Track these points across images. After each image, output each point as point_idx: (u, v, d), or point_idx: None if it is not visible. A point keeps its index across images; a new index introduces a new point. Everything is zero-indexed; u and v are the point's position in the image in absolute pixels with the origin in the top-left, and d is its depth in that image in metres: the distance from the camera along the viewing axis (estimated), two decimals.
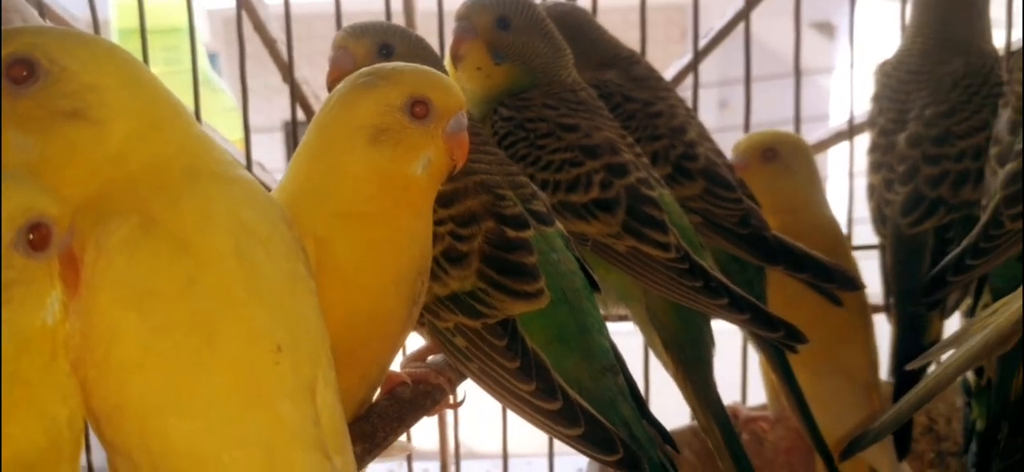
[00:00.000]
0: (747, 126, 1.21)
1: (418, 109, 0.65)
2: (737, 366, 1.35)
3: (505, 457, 1.37)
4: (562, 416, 0.71)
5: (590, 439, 0.70)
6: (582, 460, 1.03)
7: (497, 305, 0.73)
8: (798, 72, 1.26)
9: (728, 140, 1.12)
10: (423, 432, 1.27)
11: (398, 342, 0.72)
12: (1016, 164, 0.96)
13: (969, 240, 0.96)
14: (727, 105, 5.33)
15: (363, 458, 0.72)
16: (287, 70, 1.19)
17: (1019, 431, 1.02)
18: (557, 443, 1.37)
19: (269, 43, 1.20)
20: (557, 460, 1.39)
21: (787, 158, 1.08)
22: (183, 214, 0.52)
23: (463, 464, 1.42)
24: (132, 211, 0.51)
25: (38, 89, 0.51)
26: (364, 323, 0.66)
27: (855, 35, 1.32)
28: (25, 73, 0.51)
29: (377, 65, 0.69)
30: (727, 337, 1.03)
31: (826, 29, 5.08)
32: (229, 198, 0.54)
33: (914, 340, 1.10)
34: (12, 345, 0.46)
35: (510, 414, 1.28)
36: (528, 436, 1.45)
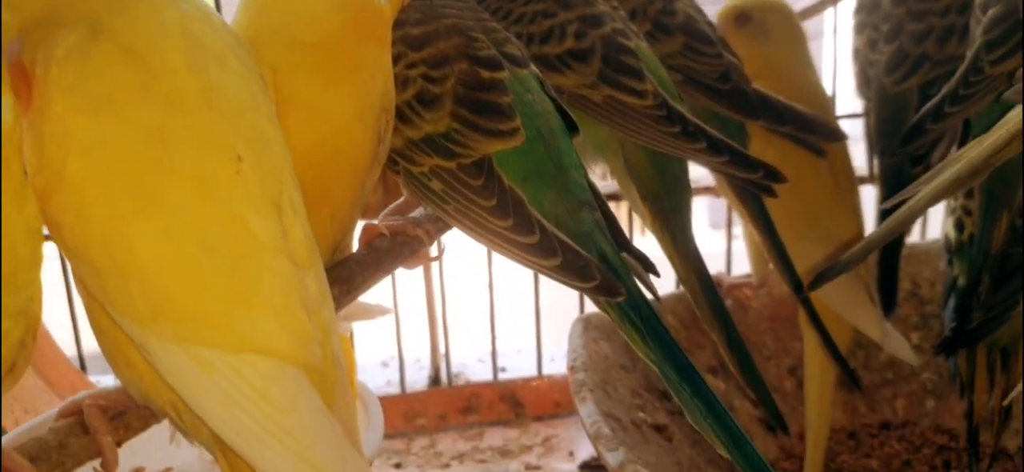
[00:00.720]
0: None
1: None
2: (722, 242, 1.36)
3: (494, 340, 1.39)
4: (539, 248, 0.71)
5: (567, 268, 0.71)
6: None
7: (472, 145, 0.73)
8: None
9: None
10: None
11: (367, 181, 0.72)
12: (998, 9, 0.94)
13: (948, 87, 0.95)
14: None
15: (341, 299, 0.72)
16: None
17: (999, 284, 1.02)
18: (544, 328, 1.38)
19: None
20: (545, 346, 1.41)
21: (760, 21, 1.07)
22: (132, 23, 0.51)
23: (456, 356, 1.44)
24: (80, 21, 0.50)
25: None
26: (330, 158, 0.66)
27: None
28: None
29: None
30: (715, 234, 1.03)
31: None
32: (181, 13, 0.53)
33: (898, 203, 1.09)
34: None
35: (494, 261, 1.29)
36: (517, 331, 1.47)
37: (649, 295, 0.77)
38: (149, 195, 0.49)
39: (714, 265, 1.03)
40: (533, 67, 0.79)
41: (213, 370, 0.50)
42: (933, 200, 0.81)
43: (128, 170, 0.49)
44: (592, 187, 0.77)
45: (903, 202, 0.85)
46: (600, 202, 0.77)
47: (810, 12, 1.27)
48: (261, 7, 0.67)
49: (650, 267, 0.77)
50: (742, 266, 1.23)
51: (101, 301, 0.51)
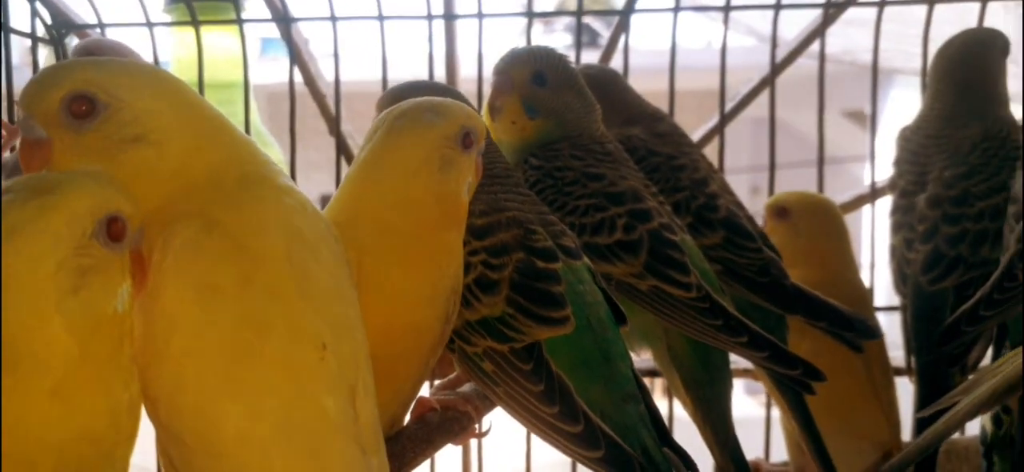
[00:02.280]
0: None
1: (467, 139, 0.74)
2: (761, 426, 1.37)
3: None
4: (583, 439, 0.74)
5: (610, 461, 0.73)
6: None
7: (524, 330, 0.77)
8: (822, 148, 1.31)
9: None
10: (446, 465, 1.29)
11: (430, 359, 0.77)
12: None
13: (983, 291, 0.98)
14: (758, 191, 5.36)
15: None
16: (334, 123, 1.26)
17: None
18: None
19: (319, 97, 1.28)
20: None
21: (798, 216, 1.13)
22: (241, 217, 0.58)
23: None
24: (195, 215, 0.57)
25: (100, 122, 0.57)
26: (400, 336, 0.71)
27: (885, 119, 1.36)
28: (85, 108, 0.57)
29: (425, 100, 0.76)
30: (749, 398, 1.06)
31: (859, 118, 5.12)
32: (282, 205, 0.60)
33: (936, 398, 1.11)
34: (86, 326, 0.51)
35: (532, 448, 1.31)
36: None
37: None
38: (239, 377, 0.54)
39: (748, 431, 1.03)
40: (586, 259, 0.84)
41: None
42: (971, 414, 0.84)
43: (223, 353, 0.54)
44: (637, 379, 0.81)
45: (941, 411, 0.87)
46: (645, 395, 0.80)
47: (848, 208, 1.32)
48: (359, 194, 0.74)
49: (691, 465, 0.79)
50: (777, 435, 1.23)
51: None
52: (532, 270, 0.79)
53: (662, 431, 0.79)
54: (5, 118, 1.25)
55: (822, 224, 1.14)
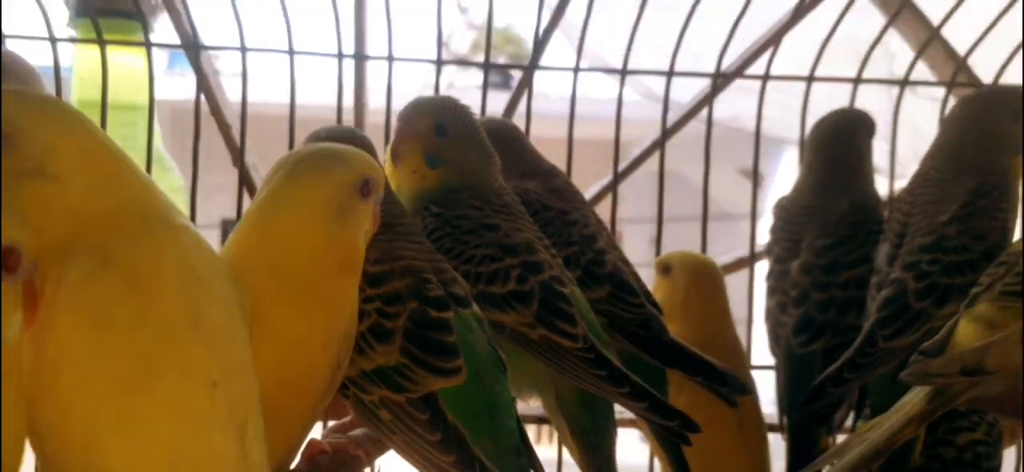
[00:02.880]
0: None
1: (365, 188, 0.76)
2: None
3: None
4: None
5: None
6: None
7: (418, 380, 0.79)
8: (706, 208, 1.40)
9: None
10: None
11: (320, 405, 0.78)
12: (890, 290, 1.08)
13: (846, 356, 1.06)
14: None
15: None
16: (238, 154, 1.26)
17: None
18: None
19: (224, 127, 1.28)
20: None
21: (677, 273, 1.20)
22: (137, 255, 0.59)
23: None
24: (91, 251, 0.58)
25: (1, 152, 0.57)
26: (291, 379, 0.73)
27: (777, 181, 1.46)
28: None
29: (325, 146, 0.78)
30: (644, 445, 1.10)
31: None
32: (178, 244, 0.61)
33: (805, 455, 1.18)
34: None
35: None
36: None
37: None
38: (128, 414, 0.55)
39: None
40: (475, 307, 0.87)
41: None
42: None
43: (113, 389, 0.55)
44: (521, 431, 0.84)
45: None
46: (528, 447, 0.83)
47: (730, 268, 1.41)
48: (255, 236, 0.74)
49: None
50: None
51: None
52: (426, 319, 0.81)
53: None
54: None
55: (701, 283, 1.20)
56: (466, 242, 0.97)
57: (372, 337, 0.80)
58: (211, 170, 1.35)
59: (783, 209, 1.28)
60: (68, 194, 0.59)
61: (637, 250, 1.12)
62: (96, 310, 0.56)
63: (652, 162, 1.43)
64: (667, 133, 1.38)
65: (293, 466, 0.83)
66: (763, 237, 1.39)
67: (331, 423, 0.96)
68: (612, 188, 1.35)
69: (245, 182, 1.31)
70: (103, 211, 0.60)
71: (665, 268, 1.21)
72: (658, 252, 1.30)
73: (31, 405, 0.55)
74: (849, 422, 1.23)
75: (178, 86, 2.37)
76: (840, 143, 1.27)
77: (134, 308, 0.57)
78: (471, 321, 0.85)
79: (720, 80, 1.37)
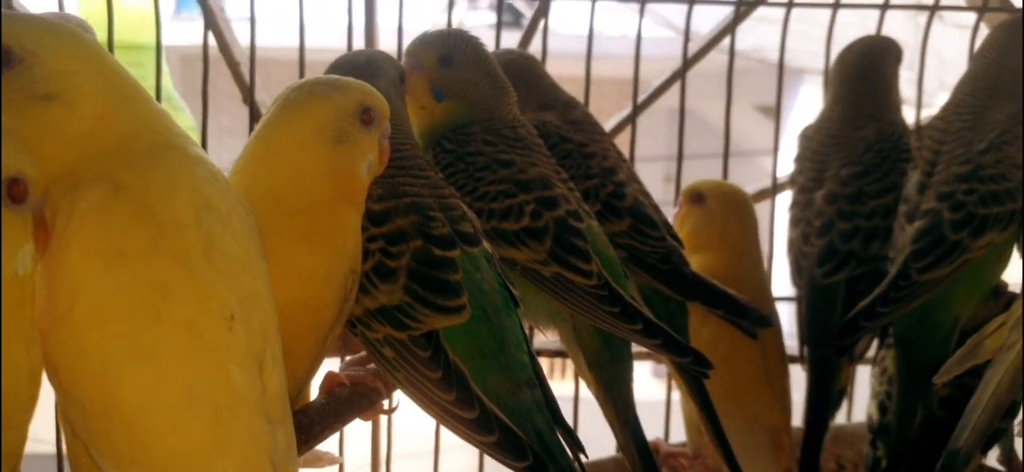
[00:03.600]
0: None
1: (366, 116, 0.74)
2: (662, 409, 1.42)
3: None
4: (478, 424, 0.76)
5: (503, 446, 0.76)
6: None
7: (421, 318, 0.78)
8: (727, 140, 1.36)
9: (673, 214, 1.20)
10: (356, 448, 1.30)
11: (328, 339, 0.78)
12: (924, 222, 1.05)
13: (880, 290, 1.04)
14: (672, 179, 5.46)
15: (299, 448, 0.76)
16: (247, 91, 1.24)
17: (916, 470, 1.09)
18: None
19: (233, 64, 1.25)
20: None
21: (712, 203, 1.17)
22: (150, 184, 0.57)
23: None
24: (103, 179, 0.56)
25: (13, 75, 0.57)
26: (298, 314, 0.72)
27: (793, 115, 1.42)
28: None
29: (325, 76, 0.76)
30: (656, 380, 1.10)
31: (770, 112, 5.29)
32: (192, 174, 0.60)
33: (825, 385, 1.17)
34: None
35: (441, 425, 1.33)
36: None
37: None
38: (143, 344, 0.54)
39: (650, 414, 1.07)
40: (485, 244, 0.85)
41: None
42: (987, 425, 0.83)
43: (128, 320, 0.54)
44: (534, 364, 0.83)
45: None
46: (540, 379, 0.83)
47: (753, 199, 1.38)
48: (252, 169, 0.73)
49: (580, 448, 0.83)
50: (678, 418, 1.28)
51: (85, 442, 0.55)
52: (429, 258, 0.80)
53: (556, 414, 0.82)
54: None
55: (734, 212, 1.17)
56: (479, 178, 0.95)
57: (376, 276, 0.79)
58: (221, 113, 1.33)
59: (807, 138, 1.25)
60: (80, 120, 0.58)
61: (651, 188, 1.09)
62: (108, 239, 0.55)
63: (665, 100, 1.40)
64: (687, 64, 1.34)
65: (312, 399, 0.82)
66: (781, 170, 1.36)
67: (348, 357, 0.96)
68: (631, 121, 1.32)
69: (255, 120, 1.28)
70: (115, 139, 0.59)
71: (696, 197, 1.17)
72: (678, 189, 1.27)
73: (45, 337, 0.54)
74: (871, 351, 1.22)
75: (186, 31, 2.34)
76: (867, 71, 1.23)
77: (147, 237, 0.55)
78: (479, 259, 0.83)
79: (743, 7, 1.33)
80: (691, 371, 1.00)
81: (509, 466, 0.77)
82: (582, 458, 0.84)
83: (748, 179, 1.47)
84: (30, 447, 0.60)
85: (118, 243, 0.55)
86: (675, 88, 1.36)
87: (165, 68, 1.27)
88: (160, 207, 0.57)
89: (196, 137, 1.29)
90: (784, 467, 1.14)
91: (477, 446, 0.78)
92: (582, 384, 1.37)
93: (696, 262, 1.08)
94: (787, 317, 1.28)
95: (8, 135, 0.55)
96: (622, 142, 1.34)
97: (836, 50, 1.29)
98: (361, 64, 0.89)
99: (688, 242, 1.09)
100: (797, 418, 1.19)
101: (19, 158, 0.53)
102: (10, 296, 0.52)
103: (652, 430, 1.02)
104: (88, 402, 0.54)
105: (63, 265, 0.54)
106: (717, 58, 1.42)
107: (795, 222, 1.23)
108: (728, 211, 1.17)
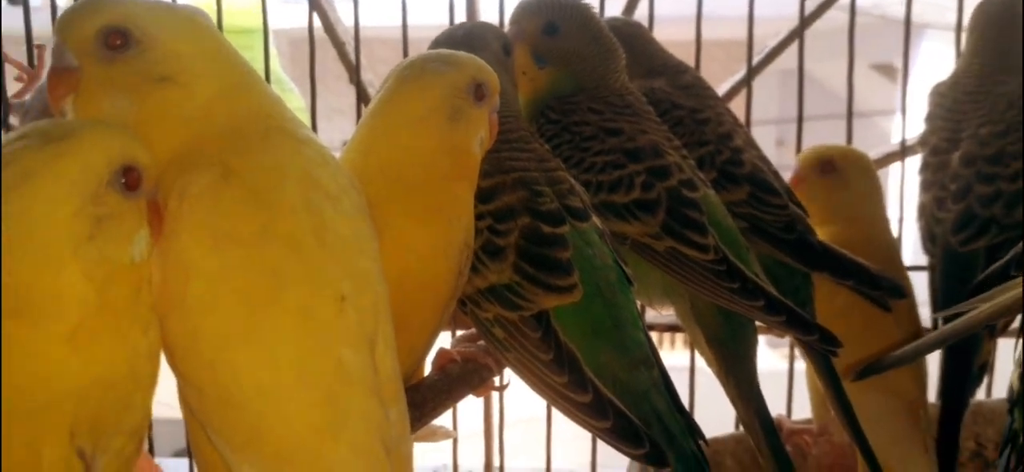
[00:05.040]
0: None
1: (478, 91, 0.73)
2: (782, 380, 1.36)
3: (548, 464, 1.40)
4: (592, 408, 0.73)
5: (618, 432, 0.73)
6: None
7: (531, 298, 0.76)
8: (851, 101, 1.28)
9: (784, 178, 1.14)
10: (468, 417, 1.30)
11: (444, 314, 0.76)
12: None
13: (1015, 252, 0.96)
14: (784, 143, 5.29)
15: (412, 424, 0.76)
16: (354, 70, 1.25)
17: None
18: (600, 457, 1.38)
19: (338, 45, 1.26)
20: None
21: (844, 171, 1.09)
22: (260, 167, 0.57)
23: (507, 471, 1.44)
24: (214, 163, 0.56)
25: (131, 56, 0.57)
26: (413, 290, 0.71)
27: (914, 73, 1.33)
28: (119, 41, 0.57)
29: (435, 52, 0.75)
30: (771, 351, 1.05)
31: (888, 71, 5.03)
32: (302, 156, 0.59)
33: (964, 360, 1.09)
34: (103, 273, 0.51)
35: (554, 429, 1.31)
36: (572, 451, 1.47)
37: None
38: (257, 327, 0.54)
39: (770, 385, 1.02)
40: (595, 219, 0.82)
41: None
42: (992, 316, 0.81)
43: (241, 302, 0.54)
44: (650, 343, 0.79)
45: (960, 314, 0.86)
46: (657, 359, 0.79)
47: (878, 164, 1.29)
48: (368, 145, 0.73)
49: (700, 435, 0.79)
50: (800, 389, 1.22)
51: (202, 422, 0.55)
52: (538, 235, 0.77)
53: (675, 397, 0.78)
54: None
55: (867, 179, 1.11)
56: (586, 149, 0.92)
57: (485, 255, 0.78)
58: (329, 94, 1.34)
59: (941, 96, 1.15)
60: (193, 102, 0.58)
61: None
62: (219, 224, 0.55)
63: (774, 62, 1.32)
64: (805, 22, 1.26)
65: (424, 376, 0.82)
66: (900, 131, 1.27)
67: (459, 332, 0.95)
68: (746, 84, 1.26)
69: (363, 99, 1.29)
70: (227, 122, 0.59)
71: (826, 165, 1.10)
72: (798, 150, 1.20)
73: (162, 321, 0.55)
74: (1016, 322, 1.13)
75: (293, 13, 2.40)
76: (1008, 23, 1.13)
77: (257, 221, 0.55)
78: (590, 234, 0.80)
79: None
80: (818, 349, 0.94)
81: (625, 453, 0.74)
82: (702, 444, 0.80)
83: (865, 142, 1.38)
84: (160, 412, 0.62)
85: (228, 227, 0.55)
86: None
87: (273, 51, 1.29)
88: (270, 191, 0.56)
89: (306, 118, 1.31)
90: (920, 446, 1.06)
91: (590, 431, 0.75)
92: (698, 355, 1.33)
93: (824, 234, 1.01)
94: (917, 288, 1.20)
95: (121, 125, 0.55)
96: (734, 108, 1.28)
97: (967, 3, 1.19)
98: (460, 38, 0.87)
99: (817, 214, 1.02)
100: (933, 395, 1.12)
101: (132, 146, 0.54)
102: (127, 281, 0.53)
103: (771, 402, 0.97)
104: (203, 384, 0.54)
105: (175, 250, 0.54)
106: (831, 16, 1.33)
107: (927, 186, 1.14)
108: (861, 178, 1.10)
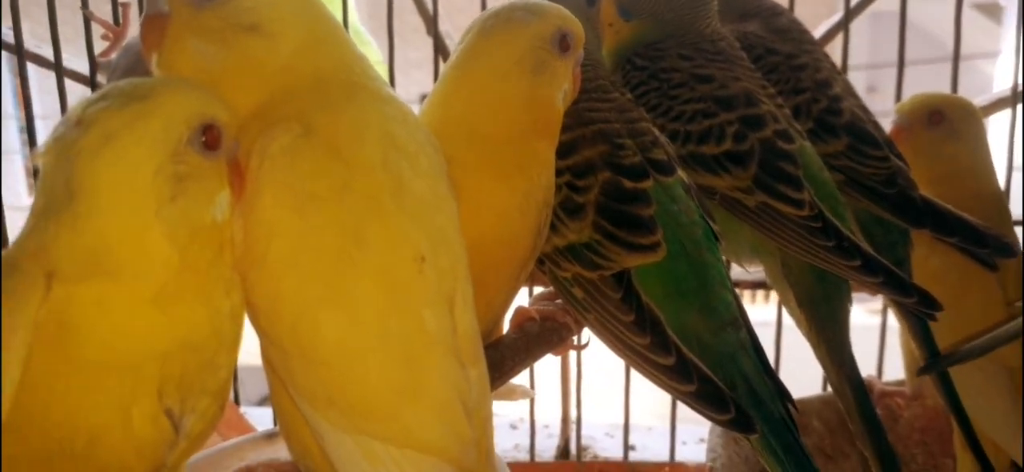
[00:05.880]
0: None
1: (564, 42, 0.70)
2: (872, 335, 1.30)
3: (627, 418, 1.38)
4: (675, 371, 0.70)
5: (702, 397, 0.70)
6: (704, 429, 1.01)
7: (613, 257, 0.73)
8: (958, 45, 1.19)
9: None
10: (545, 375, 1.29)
11: (523, 272, 0.74)
12: None
13: None
14: (876, 90, 5.06)
15: (492, 383, 0.74)
16: (431, 22, 1.22)
17: None
18: (680, 411, 1.36)
19: None
20: (679, 428, 1.39)
21: (955, 123, 1.02)
22: (339, 124, 0.56)
23: (584, 426, 1.43)
24: (294, 119, 0.55)
25: (219, 4, 0.57)
26: (492, 248, 0.69)
27: (1018, 13, 1.22)
28: None
29: (520, 1, 0.72)
30: (858, 305, 0.99)
31: (992, 10, 4.74)
32: (382, 114, 0.58)
33: None
34: (185, 234, 0.51)
35: (632, 383, 1.29)
36: (649, 406, 1.45)
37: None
38: (338, 287, 0.53)
39: (858, 340, 0.97)
40: (680, 173, 0.78)
41: (377, 461, 0.53)
42: None
43: (322, 262, 0.53)
44: (738, 302, 0.76)
45: None
46: (745, 320, 0.75)
47: (986, 111, 1.21)
48: (448, 99, 0.71)
49: (789, 399, 0.75)
50: (893, 347, 1.16)
51: (285, 382, 0.55)
52: (619, 191, 0.74)
53: (763, 358, 0.75)
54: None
55: (974, 132, 1.03)
56: (674, 97, 0.87)
57: (563, 212, 0.75)
58: (407, 47, 1.33)
59: None
60: (279, 53, 0.57)
61: None
62: (300, 182, 0.54)
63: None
64: None
65: (503, 334, 0.80)
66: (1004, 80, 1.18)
67: (537, 289, 0.93)
68: (844, 26, 1.18)
69: (440, 51, 1.27)
70: (309, 76, 0.58)
71: (935, 115, 1.02)
72: (899, 98, 1.13)
73: (244, 280, 0.55)
74: None
75: None
76: None
77: (337, 179, 0.54)
78: (675, 188, 0.76)
79: None
80: (916, 312, 0.89)
81: (709, 417, 0.71)
82: (792, 408, 0.76)
83: (969, 89, 1.29)
84: (245, 360, 0.62)
85: (309, 187, 0.54)
86: None
87: (351, 3, 1.27)
88: (350, 149, 0.55)
89: (384, 72, 1.30)
90: (1020, 415, 1.00)
91: (674, 394, 0.72)
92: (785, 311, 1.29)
93: (929, 190, 0.95)
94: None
95: (206, 75, 0.55)
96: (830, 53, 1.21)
97: None
98: None
99: (922, 168, 0.95)
100: None
101: (211, 104, 0.53)
102: (209, 242, 0.52)
103: (861, 360, 0.93)
104: (285, 344, 0.54)
105: (257, 209, 0.54)
106: None
107: None
108: (970, 129, 1.03)
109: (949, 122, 1.02)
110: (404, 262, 0.54)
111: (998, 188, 1.05)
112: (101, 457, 0.51)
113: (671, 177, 0.77)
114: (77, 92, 1.22)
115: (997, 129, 1.24)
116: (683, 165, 0.81)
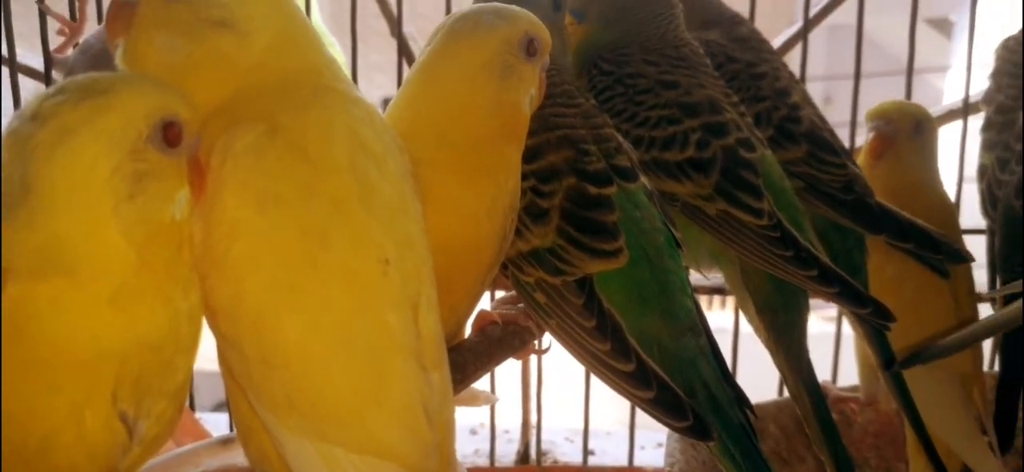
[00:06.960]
0: (854, 123, 1.19)
1: (531, 47, 0.70)
2: (827, 343, 1.32)
3: (586, 423, 1.38)
4: (635, 378, 0.71)
5: (661, 403, 0.70)
6: (663, 434, 1.02)
7: (576, 262, 0.73)
8: (911, 65, 1.22)
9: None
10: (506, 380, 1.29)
11: (487, 276, 0.74)
12: None
13: None
14: (832, 101, 5.15)
15: (454, 387, 0.74)
16: (395, 24, 1.22)
17: None
18: (639, 417, 1.37)
19: None
20: (638, 433, 1.40)
21: (928, 134, 1.05)
22: (307, 125, 0.55)
23: (544, 430, 1.43)
24: (260, 118, 0.54)
25: None
26: (457, 252, 0.69)
27: (975, 30, 1.26)
28: None
29: (488, 5, 0.72)
30: (813, 313, 1.01)
31: (943, 25, 4.85)
32: (349, 116, 0.57)
33: (1022, 330, 1.05)
34: (143, 232, 0.50)
35: (591, 389, 1.30)
36: (609, 411, 1.46)
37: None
38: (300, 289, 0.52)
39: (814, 348, 1.00)
40: (643, 179, 0.79)
41: (337, 467, 0.52)
42: None
43: (284, 263, 0.52)
44: (698, 309, 0.77)
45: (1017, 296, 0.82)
46: (705, 326, 0.76)
47: (938, 122, 1.24)
48: (416, 102, 0.71)
49: (747, 405, 0.76)
50: (848, 349, 1.18)
51: (243, 386, 0.54)
52: (583, 197, 0.74)
53: (722, 365, 0.76)
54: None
55: (934, 141, 1.05)
56: (640, 103, 0.88)
57: (528, 217, 0.75)
58: (370, 50, 1.31)
59: (1010, 52, 1.09)
60: (248, 51, 0.57)
61: None
62: (263, 182, 0.53)
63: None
64: None
65: (465, 338, 0.80)
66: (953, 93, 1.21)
67: (499, 294, 0.93)
68: (801, 37, 1.20)
69: (404, 54, 1.26)
70: (278, 76, 0.57)
71: (918, 126, 1.04)
72: (854, 109, 1.15)
73: (203, 281, 0.54)
74: None
75: None
76: None
77: (302, 180, 0.53)
78: (638, 195, 0.77)
79: None
80: (871, 323, 0.91)
81: (667, 425, 0.72)
82: (750, 414, 0.77)
83: (920, 101, 1.32)
84: (201, 365, 0.61)
85: (273, 187, 0.53)
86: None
87: (314, 4, 1.26)
88: (316, 149, 0.55)
89: (346, 73, 1.29)
90: (972, 419, 1.03)
91: (632, 401, 0.73)
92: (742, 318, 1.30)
93: (896, 200, 0.96)
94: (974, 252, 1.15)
95: (170, 68, 0.54)
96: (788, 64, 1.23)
97: None
98: None
99: (899, 177, 0.98)
100: (988, 365, 1.08)
101: (172, 100, 0.52)
102: (168, 241, 0.51)
103: (817, 366, 0.95)
104: (245, 346, 0.53)
105: (219, 208, 0.53)
106: None
107: (989, 146, 1.09)
108: (935, 141, 1.05)
109: (927, 133, 1.05)
110: (369, 264, 0.54)
111: (948, 197, 1.07)
112: (53, 460, 0.49)
113: (634, 183, 0.77)
114: (30, 89, 1.19)
115: (947, 141, 1.27)
116: (646, 171, 0.82)
